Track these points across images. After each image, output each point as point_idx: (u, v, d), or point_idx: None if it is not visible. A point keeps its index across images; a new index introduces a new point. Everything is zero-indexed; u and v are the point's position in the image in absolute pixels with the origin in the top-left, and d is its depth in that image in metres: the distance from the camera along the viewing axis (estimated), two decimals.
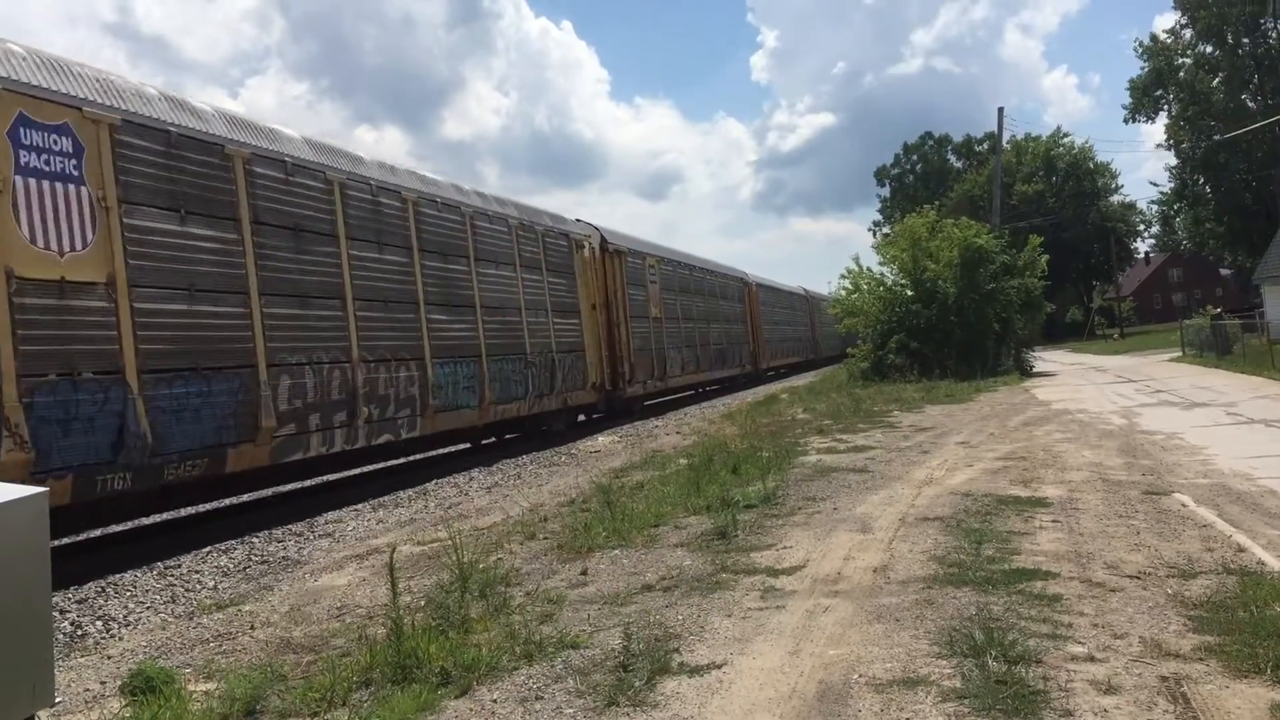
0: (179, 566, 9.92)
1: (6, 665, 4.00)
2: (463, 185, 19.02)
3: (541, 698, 4.97)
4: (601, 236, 25.54)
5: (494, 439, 20.99)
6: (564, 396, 21.82)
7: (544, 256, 21.45)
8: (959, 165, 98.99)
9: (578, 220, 25.12)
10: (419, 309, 15.96)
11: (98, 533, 12.20)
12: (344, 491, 14.88)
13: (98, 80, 10.57)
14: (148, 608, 8.34)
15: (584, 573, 7.68)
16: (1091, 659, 4.93)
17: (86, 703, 5.63)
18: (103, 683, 6.01)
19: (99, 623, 7.90)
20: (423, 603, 6.87)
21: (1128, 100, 71.62)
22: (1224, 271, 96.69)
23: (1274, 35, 63.31)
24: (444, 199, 17.51)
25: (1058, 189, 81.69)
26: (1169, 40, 68.29)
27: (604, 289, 25.19)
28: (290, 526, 11.89)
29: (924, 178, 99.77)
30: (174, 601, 8.52)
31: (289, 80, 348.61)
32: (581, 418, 25.23)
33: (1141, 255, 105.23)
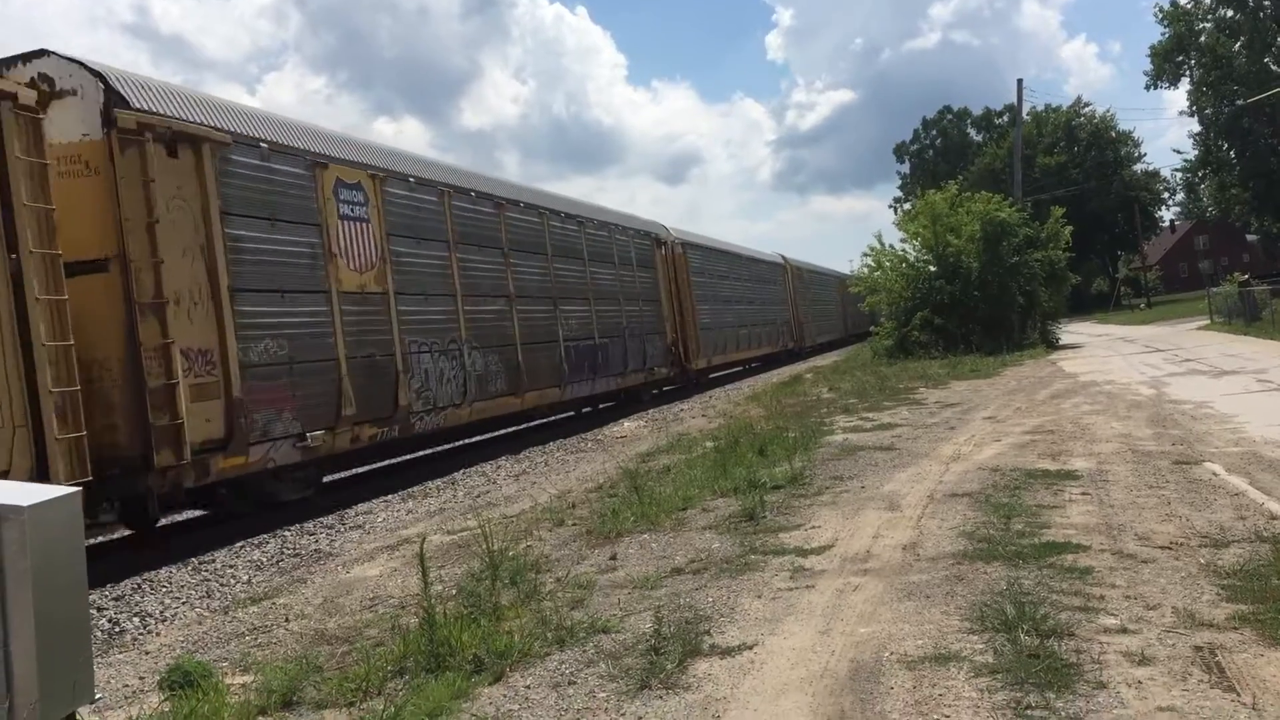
0: (213, 562, 10.02)
1: (46, 663, 4.06)
2: None
3: (574, 682, 4.99)
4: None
5: None
6: None
7: None
8: (979, 139, 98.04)
9: None
10: None
11: (130, 531, 12.32)
12: (373, 483, 14.97)
13: None
14: (183, 603, 8.44)
15: (613, 557, 7.70)
16: (1124, 631, 4.91)
17: (126, 698, 5.70)
18: (141, 678, 6.09)
19: (136, 619, 7.99)
20: (454, 591, 6.91)
21: (1149, 67, 70.81)
22: (1250, 237, 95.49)
23: None
24: None
25: (1080, 159, 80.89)
26: (1189, 5, 67.32)
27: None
28: (321, 519, 11.97)
29: (944, 152, 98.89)
30: (209, 596, 8.62)
31: (307, 75, 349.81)
32: None
33: (1166, 224, 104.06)
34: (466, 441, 19.28)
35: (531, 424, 21.23)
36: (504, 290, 18.23)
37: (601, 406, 24.33)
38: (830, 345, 51.90)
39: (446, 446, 18.70)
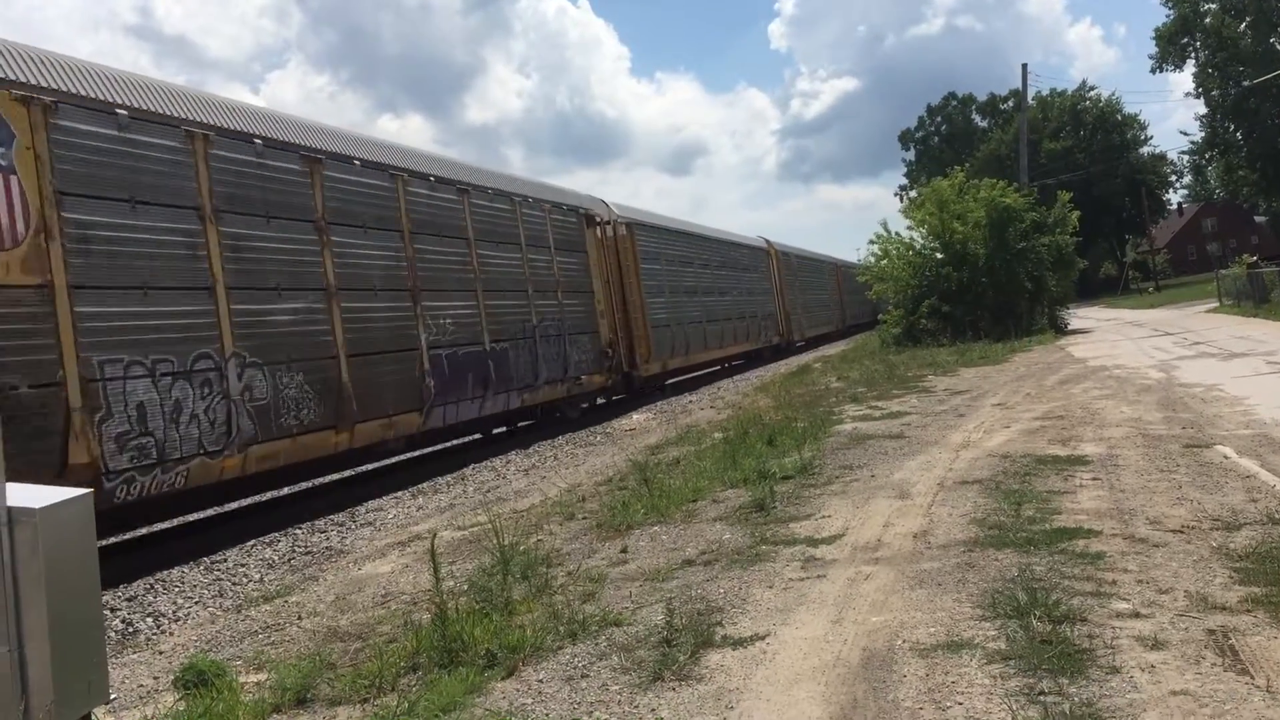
0: (225, 561, 10.05)
1: (60, 664, 4.07)
2: None
3: (587, 676, 5.00)
4: None
5: None
6: None
7: None
8: (984, 125, 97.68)
9: None
10: None
11: (143, 531, 12.37)
12: (383, 479, 15.00)
13: None
14: (196, 602, 8.46)
15: (624, 550, 7.70)
16: (1137, 615, 4.90)
17: (141, 698, 5.72)
18: (155, 678, 6.11)
19: (149, 619, 8.02)
20: (465, 587, 6.92)
21: (1154, 50, 70.55)
22: (1259, 219, 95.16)
23: None
24: None
25: (1086, 144, 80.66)
26: None
27: None
28: (332, 517, 12.00)
29: (949, 139, 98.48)
30: (221, 595, 8.64)
31: (310, 73, 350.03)
32: None
33: (1174, 207, 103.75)
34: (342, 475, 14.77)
35: (419, 453, 16.45)
36: (317, 280, 12.85)
37: (522, 425, 19.70)
38: (825, 339, 48.19)
39: (235, 506, 13.47)
